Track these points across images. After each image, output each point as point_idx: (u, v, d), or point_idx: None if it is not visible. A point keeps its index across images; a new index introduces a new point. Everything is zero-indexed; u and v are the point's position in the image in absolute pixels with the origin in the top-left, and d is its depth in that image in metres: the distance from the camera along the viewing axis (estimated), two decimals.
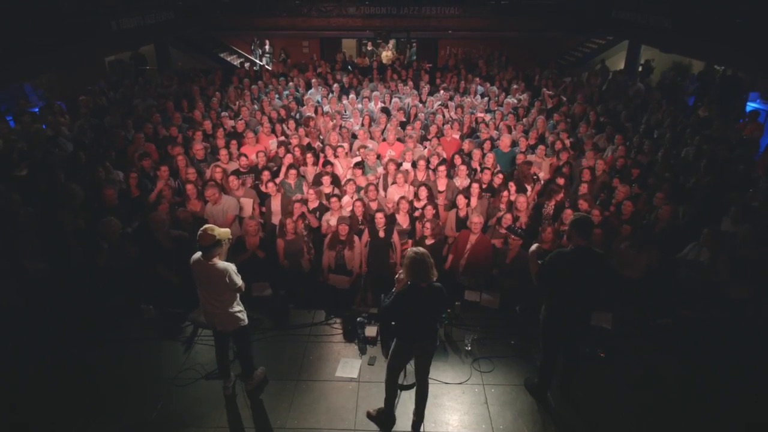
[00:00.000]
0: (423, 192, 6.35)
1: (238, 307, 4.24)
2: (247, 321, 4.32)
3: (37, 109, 9.74)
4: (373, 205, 6.34)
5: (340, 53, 14.92)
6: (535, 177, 7.05)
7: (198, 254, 4.07)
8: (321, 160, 7.37)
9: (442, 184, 6.78)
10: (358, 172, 6.97)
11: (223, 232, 4.05)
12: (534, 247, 4.35)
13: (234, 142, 7.87)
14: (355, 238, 5.81)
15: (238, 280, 4.12)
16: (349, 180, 6.61)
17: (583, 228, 3.91)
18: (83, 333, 5.14)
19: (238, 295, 4.23)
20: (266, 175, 6.72)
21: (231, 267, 4.07)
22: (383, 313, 4.50)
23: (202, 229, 4.00)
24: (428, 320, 3.89)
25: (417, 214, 6.24)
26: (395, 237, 5.89)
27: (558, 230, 5.74)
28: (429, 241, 5.74)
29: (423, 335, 3.92)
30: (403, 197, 6.26)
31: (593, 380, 4.63)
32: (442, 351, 4.98)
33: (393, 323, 4.00)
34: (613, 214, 6.11)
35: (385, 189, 6.88)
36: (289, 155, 7.35)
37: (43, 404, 4.39)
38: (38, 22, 8.76)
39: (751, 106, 10.43)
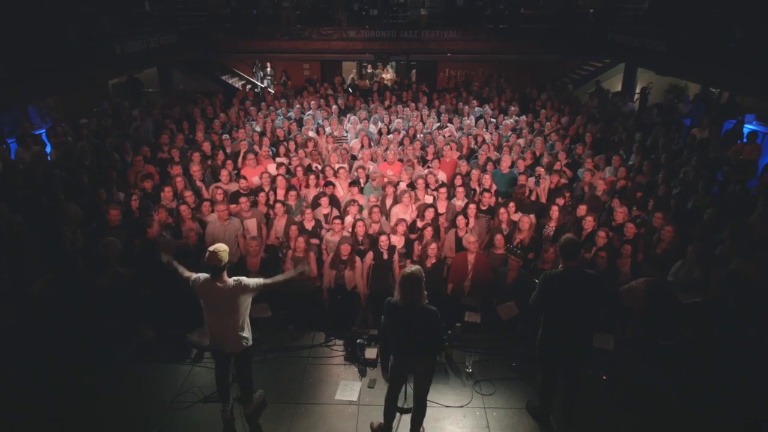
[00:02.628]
0: (429, 213, 6.36)
1: (247, 328, 4.20)
2: (251, 342, 4.29)
3: (42, 131, 9.84)
4: (375, 227, 6.36)
5: (338, 76, 15.10)
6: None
7: (205, 275, 4.04)
8: (322, 182, 7.40)
9: (442, 206, 6.80)
10: (355, 190, 7.01)
11: (226, 251, 4.03)
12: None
13: (230, 162, 7.92)
14: (357, 258, 5.81)
15: (257, 281, 4.10)
16: (353, 201, 6.63)
17: (569, 250, 3.98)
18: (82, 354, 5.09)
19: (248, 315, 4.19)
20: (262, 196, 6.75)
21: (241, 279, 4.06)
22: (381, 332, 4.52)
23: (210, 250, 3.97)
24: (421, 339, 3.86)
25: (417, 234, 6.25)
26: (395, 257, 5.90)
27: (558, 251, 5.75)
28: (430, 262, 5.73)
29: (415, 350, 3.90)
30: (402, 219, 6.27)
31: (596, 403, 4.58)
32: (442, 373, 4.94)
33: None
34: (615, 234, 6.12)
35: (385, 210, 6.89)
36: (289, 176, 7.40)
37: (41, 426, 4.33)
38: (44, 46, 8.91)
39: (747, 127, 10.51)
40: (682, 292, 5.27)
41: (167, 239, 5.75)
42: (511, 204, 6.61)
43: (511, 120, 10.71)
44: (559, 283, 3.96)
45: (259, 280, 4.12)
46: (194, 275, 4.12)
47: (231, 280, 4.02)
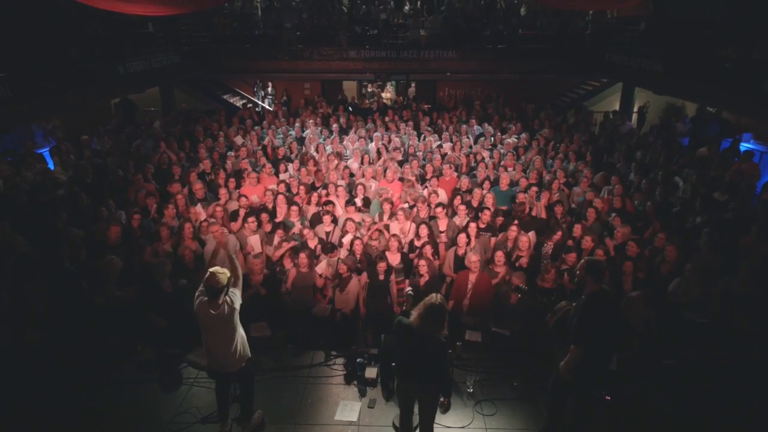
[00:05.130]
0: (423, 230, 6.37)
1: (243, 345, 4.22)
2: (249, 355, 4.28)
3: (45, 151, 9.89)
4: (374, 244, 6.36)
5: (341, 94, 15.26)
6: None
7: (204, 298, 4.01)
8: (323, 200, 7.43)
9: (443, 224, 6.81)
10: (352, 209, 7.03)
11: (225, 274, 4.01)
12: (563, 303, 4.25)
13: (232, 180, 7.96)
14: (351, 280, 5.79)
15: (237, 298, 4.11)
16: (348, 219, 6.65)
17: (598, 271, 3.87)
18: (80, 373, 5.06)
19: (242, 333, 4.20)
20: (265, 216, 6.79)
21: (228, 298, 4.05)
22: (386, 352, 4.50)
23: (210, 272, 3.95)
24: (428, 367, 3.81)
25: (416, 252, 6.25)
26: (392, 277, 5.89)
27: (559, 269, 5.75)
28: (423, 280, 5.72)
29: (421, 377, 3.86)
30: (394, 235, 6.27)
31: (598, 423, 4.52)
32: None
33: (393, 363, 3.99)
34: (616, 252, 6.13)
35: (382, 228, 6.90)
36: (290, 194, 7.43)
37: None
38: (47, 66, 9.03)
39: (744, 146, 10.59)
40: (687, 311, 5.25)
41: (163, 261, 5.74)
42: (515, 222, 6.61)
43: (512, 139, 10.79)
44: (598, 310, 3.81)
45: (238, 299, 4.12)
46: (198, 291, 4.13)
47: (225, 304, 4.00)
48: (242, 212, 7.04)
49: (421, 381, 3.88)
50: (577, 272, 4.01)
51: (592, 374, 3.97)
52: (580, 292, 4.03)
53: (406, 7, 15.66)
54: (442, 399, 3.92)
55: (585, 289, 3.93)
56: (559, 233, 6.42)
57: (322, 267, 5.91)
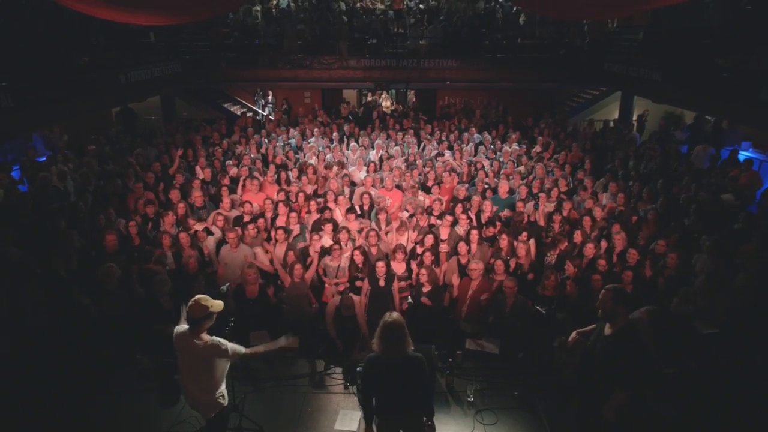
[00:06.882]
0: (429, 240, 6.36)
1: (222, 390, 3.91)
2: (226, 403, 3.99)
3: (44, 159, 9.93)
4: (374, 250, 6.35)
5: (344, 104, 15.32)
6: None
7: (184, 327, 3.78)
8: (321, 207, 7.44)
9: (444, 233, 6.81)
10: (352, 216, 7.03)
11: (216, 305, 3.76)
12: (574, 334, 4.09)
13: (225, 189, 7.93)
14: (355, 299, 5.72)
15: (236, 348, 3.79)
16: (343, 228, 6.65)
17: (628, 298, 3.69)
18: (78, 383, 5.02)
19: (224, 378, 3.91)
20: (261, 222, 6.77)
21: (219, 341, 3.75)
22: (361, 390, 4.32)
23: (194, 299, 3.69)
24: (407, 393, 3.62)
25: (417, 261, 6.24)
26: (395, 285, 5.87)
27: (559, 278, 5.74)
28: (426, 288, 5.71)
29: (401, 408, 3.67)
30: (400, 245, 6.27)
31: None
32: (443, 402, 4.86)
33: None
34: (617, 261, 6.12)
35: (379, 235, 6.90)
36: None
37: None
38: (49, 75, 9.08)
39: (743, 154, 10.61)
40: (698, 321, 5.22)
41: (164, 279, 5.73)
42: (524, 234, 6.60)
43: (511, 147, 10.81)
44: (638, 343, 3.66)
45: (239, 349, 3.80)
46: (179, 325, 3.88)
47: (209, 339, 3.71)
48: (246, 219, 7.05)
49: (402, 413, 3.66)
50: (602, 305, 3.71)
51: (638, 409, 3.81)
52: (603, 321, 3.80)
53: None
54: (425, 419, 3.70)
55: (615, 320, 3.69)
56: (565, 243, 6.40)
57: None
